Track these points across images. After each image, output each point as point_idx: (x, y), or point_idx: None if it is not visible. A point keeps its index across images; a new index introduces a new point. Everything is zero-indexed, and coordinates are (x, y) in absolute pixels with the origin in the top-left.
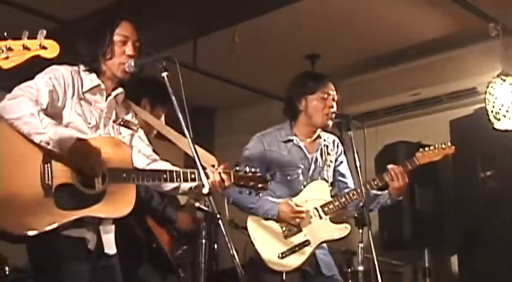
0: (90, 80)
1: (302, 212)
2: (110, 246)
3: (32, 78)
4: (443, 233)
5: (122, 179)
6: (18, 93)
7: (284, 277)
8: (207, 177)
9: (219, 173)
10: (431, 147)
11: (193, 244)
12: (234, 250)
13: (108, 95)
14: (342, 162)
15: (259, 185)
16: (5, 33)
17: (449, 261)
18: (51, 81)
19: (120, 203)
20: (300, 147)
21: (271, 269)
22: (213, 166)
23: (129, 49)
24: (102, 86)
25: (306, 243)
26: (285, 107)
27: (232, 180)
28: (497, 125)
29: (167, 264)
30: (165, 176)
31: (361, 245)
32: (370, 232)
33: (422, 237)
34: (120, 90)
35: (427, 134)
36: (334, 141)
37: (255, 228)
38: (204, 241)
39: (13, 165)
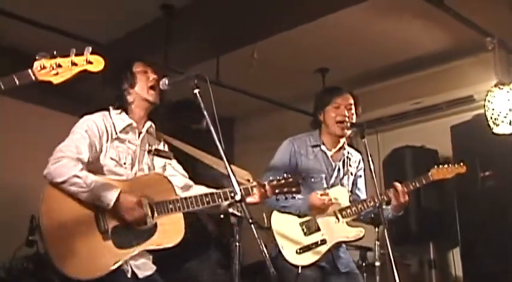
0: (122, 120)
1: (328, 197)
2: (142, 271)
3: None
4: (446, 228)
5: (169, 211)
6: (59, 154)
7: (299, 271)
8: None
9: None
10: (446, 166)
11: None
12: (266, 251)
13: (139, 132)
14: (360, 176)
15: (293, 189)
16: (55, 52)
17: (452, 253)
18: (86, 134)
19: (172, 232)
20: (325, 153)
21: (289, 263)
22: (248, 180)
23: (152, 75)
24: (134, 124)
25: (322, 242)
26: (312, 120)
27: (269, 190)
28: (496, 130)
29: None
30: (207, 199)
31: (377, 242)
32: (385, 231)
33: (428, 232)
34: (149, 123)
35: (430, 139)
36: (357, 157)
37: (278, 225)
38: (238, 244)
39: (69, 218)
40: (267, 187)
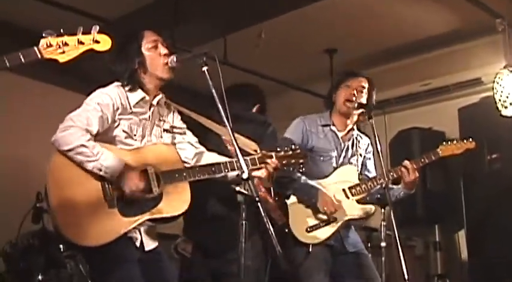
0: (137, 94)
1: (335, 206)
2: (149, 244)
3: None
4: (452, 210)
5: (175, 179)
6: (69, 123)
7: (310, 249)
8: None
9: (271, 165)
10: (454, 142)
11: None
12: (272, 230)
13: (151, 105)
14: (369, 158)
15: (301, 161)
16: (61, 30)
17: (457, 235)
18: (99, 107)
19: (178, 201)
20: (335, 133)
21: (299, 241)
22: (255, 151)
23: (163, 49)
24: (147, 98)
25: (332, 220)
26: (324, 100)
27: (276, 160)
28: (505, 112)
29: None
30: (213, 169)
31: (383, 223)
32: (392, 212)
33: (433, 214)
34: (159, 96)
35: (437, 120)
36: (366, 140)
37: (288, 203)
38: (244, 222)
39: (76, 187)
40: (274, 157)
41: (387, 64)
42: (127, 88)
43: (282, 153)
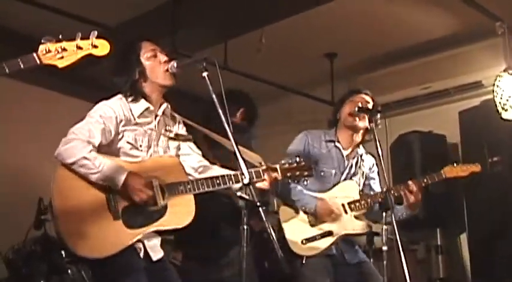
0: (140, 104)
1: (335, 212)
2: (155, 253)
3: None
4: (453, 213)
5: (180, 192)
6: (71, 136)
7: (304, 261)
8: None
9: (273, 173)
10: (460, 164)
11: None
12: (273, 235)
13: (156, 115)
14: (374, 178)
15: (305, 173)
16: (60, 36)
17: (459, 239)
18: (101, 119)
19: (182, 214)
20: (339, 149)
21: (293, 252)
22: (260, 164)
23: (162, 57)
24: (151, 108)
25: (329, 233)
26: (329, 120)
27: (280, 174)
28: (505, 115)
29: None
30: (218, 181)
31: (385, 227)
32: (393, 216)
33: (435, 218)
34: (165, 105)
35: (438, 124)
36: (370, 160)
37: (285, 213)
38: (245, 227)
39: (80, 198)
40: (278, 170)
41: (387, 68)
42: (130, 99)
43: (287, 165)
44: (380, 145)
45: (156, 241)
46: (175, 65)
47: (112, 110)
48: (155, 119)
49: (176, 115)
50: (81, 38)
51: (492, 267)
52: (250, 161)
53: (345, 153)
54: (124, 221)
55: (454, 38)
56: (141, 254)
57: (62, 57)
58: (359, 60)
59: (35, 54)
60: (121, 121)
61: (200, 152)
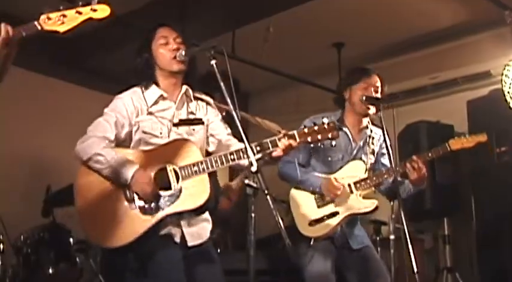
0: (152, 92)
1: (339, 189)
2: (193, 239)
3: None
4: (461, 203)
5: (194, 173)
6: (88, 134)
7: (312, 243)
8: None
9: (288, 140)
10: (467, 135)
11: (226, 230)
12: (281, 222)
13: (175, 100)
14: (384, 154)
15: (329, 134)
16: (61, 7)
17: (466, 229)
18: (113, 113)
19: (195, 195)
20: (346, 134)
21: (302, 235)
22: (279, 131)
23: (172, 45)
24: (165, 95)
25: (334, 213)
26: (335, 97)
27: (298, 139)
28: None
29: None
30: (232, 156)
31: (392, 216)
32: (400, 205)
33: (442, 208)
34: (184, 89)
35: (446, 114)
36: (379, 133)
37: (294, 197)
38: (253, 215)
39: (100, 192)
40: (296, 136)
41: (395, 58)
42: (144, 88)
43: (306, 130)
44: (388, 134)
45: (202, 225)
46: (183, 53)
47: (122, 102)
48: (175, 104)
49: (203, 97)
50: (82, 5)
51: (499, 257)
52: (269, 129)
53: (351, 133)
54: (140, 209)
55: (462, 28)
56: (177, 239)
57: (63, 23)
58: (367, 50)
59: (36, 22)
60: (132, 112)
61: (229, 131)
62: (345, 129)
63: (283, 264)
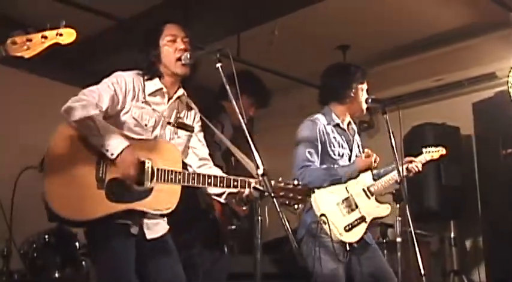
0: (154, 84)
1: (371, 156)
2: (150, 232)
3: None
4: (467, 205)
5: (168, 179)
6: (82, 97)
7: (348, 248)
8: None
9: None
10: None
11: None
12: (288, 226)
13: (170, 98)
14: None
15: (299, 197)
16: (27, 29)
17: (473, 231)
18: (112, 86)
19: (163, 201)
20: (344, 130)
21: (339, 240)
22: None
23: (179, 45)
24: (165, 90)
25: (362, 218)
26: (326, 92)
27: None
28: None
29: (216, 237)
30: (209, 180)
31: (399, 218)
32: (407, 207)
33: (448, 210)
34: (181, 92)
35: (451, 116)
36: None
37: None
38: (260, 218)
39: (72, 160)
40: (274, 185)
41: (400, 60)
42: (146, 77)
43: (282, 184)
44: (394, 137)
45: (160, 221)
46: (188, 56)
47: (124, 80)
48: (168, 102)
49: (194, 106)
50: (50, 28)
51: (506, 259)
52: (251, 171)
53: (346, 129)
54: (106, 192)
55: (467, 29)
56: (133, 231)
57: (28, 48)
58: (372, 52)
59: (1, 46)
60: (128, 93)
61: (207, 151)
62: (342, 126)
63: (291, 268)
